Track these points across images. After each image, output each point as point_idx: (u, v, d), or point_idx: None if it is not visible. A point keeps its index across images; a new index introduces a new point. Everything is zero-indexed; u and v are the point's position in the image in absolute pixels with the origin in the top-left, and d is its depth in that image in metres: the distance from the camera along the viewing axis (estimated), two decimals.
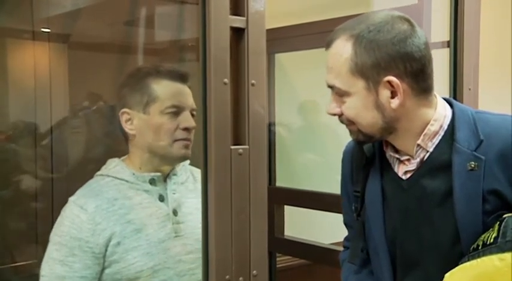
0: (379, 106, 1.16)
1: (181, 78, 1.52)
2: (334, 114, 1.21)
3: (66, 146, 2.23)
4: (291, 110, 2.84)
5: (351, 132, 1.23)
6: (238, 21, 1.06)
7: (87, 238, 1.40)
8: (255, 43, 1.07)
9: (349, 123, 1.21)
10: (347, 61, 1.14)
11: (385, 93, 1.14)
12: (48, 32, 2.17)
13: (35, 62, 2.16)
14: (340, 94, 1.18)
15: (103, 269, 1.43)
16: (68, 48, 2.22)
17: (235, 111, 1.07)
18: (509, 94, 3.40)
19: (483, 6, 1.64)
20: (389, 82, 1.13)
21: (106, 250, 1.41)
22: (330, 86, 1.20)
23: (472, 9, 1.57)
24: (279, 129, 2.65)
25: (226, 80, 1.03)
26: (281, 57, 2.58)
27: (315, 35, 2.34)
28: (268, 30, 1.10)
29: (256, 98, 1.08)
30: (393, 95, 1.15)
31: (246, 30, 1.06)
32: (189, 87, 1.53)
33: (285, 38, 2.34)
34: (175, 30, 2.49)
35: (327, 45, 1.20)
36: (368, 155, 1.29)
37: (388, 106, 1.15)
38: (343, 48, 1.15)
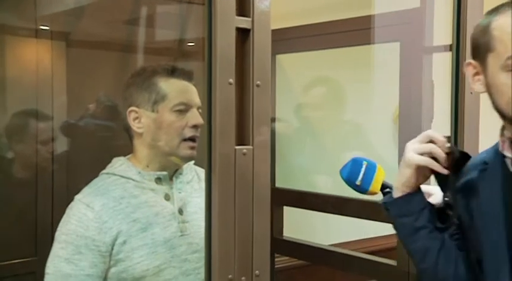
0: None
1: (188, 76, 1.54)
2: None
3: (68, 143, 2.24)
4: (291, 111, 2.84)
5: None
6: (244, 22, 1.06)
7: (93, 236, 1.41)
8: (261, 44, 1.08)
9: None
10: None
11: None
12: (47, 29, 2.17)
13: (37, 59, 2.15)
14: None
15: (109, 267, 1.43)
16: (66, 46, 2.21)
17: (239, 111, 1.07)
18: None
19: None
20: None
21: (112, 249, 1.42)
22: None
23: (475, 13, 1.57)
24: (279, 130, 2.65)
25: (231, 80, 1.04)
26: (281, 58, 2.59)
27: (317, 36, 2.35)
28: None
29: (261, 98, 1.08)
30: None
31: (251, 31, 1.07)
32: (194, 86, 1.54)
33: (286, 39, 2.35)
34: (178, 29, 2.49)
35: None
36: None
37: None
38: None
